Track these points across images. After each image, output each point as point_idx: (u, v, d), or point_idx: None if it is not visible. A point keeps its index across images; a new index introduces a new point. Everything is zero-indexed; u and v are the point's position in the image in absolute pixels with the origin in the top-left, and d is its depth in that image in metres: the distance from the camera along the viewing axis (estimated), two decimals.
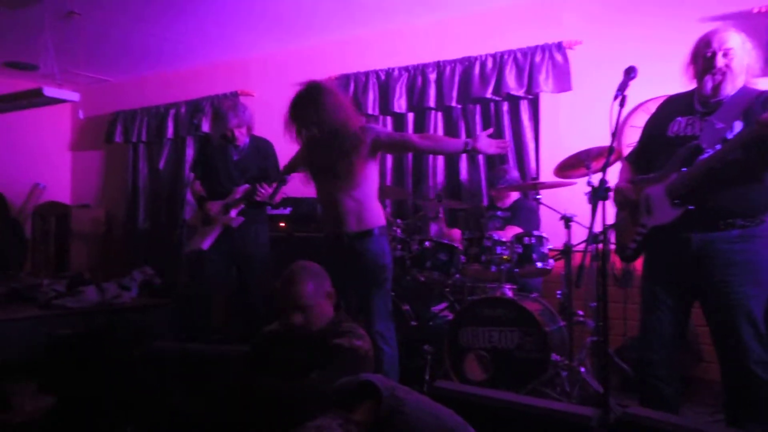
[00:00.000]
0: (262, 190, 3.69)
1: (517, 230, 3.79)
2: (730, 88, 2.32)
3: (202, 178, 4.02)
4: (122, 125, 6.50)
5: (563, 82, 4.30)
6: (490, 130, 2.88)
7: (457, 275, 3.68)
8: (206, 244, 3.80)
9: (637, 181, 2.49)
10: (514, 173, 4.16)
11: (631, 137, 3.99)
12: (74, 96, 4.31)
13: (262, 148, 3.98)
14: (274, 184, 3.66)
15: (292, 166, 3.28)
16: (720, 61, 2.32)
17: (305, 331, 2.21)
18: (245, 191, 3.82)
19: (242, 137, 3.89)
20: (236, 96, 5.71)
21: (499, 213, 4.07)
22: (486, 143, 2.78)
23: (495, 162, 4.53)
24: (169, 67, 6.19)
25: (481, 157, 4.63)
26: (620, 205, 2.58)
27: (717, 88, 2.33)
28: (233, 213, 3.83)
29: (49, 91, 4.11)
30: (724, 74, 2.31)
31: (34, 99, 4.18)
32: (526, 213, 3.98)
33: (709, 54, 2.34)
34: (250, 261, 3.88)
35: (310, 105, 2.82)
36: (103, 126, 6.67)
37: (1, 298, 3.99)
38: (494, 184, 4.11)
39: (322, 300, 2.25)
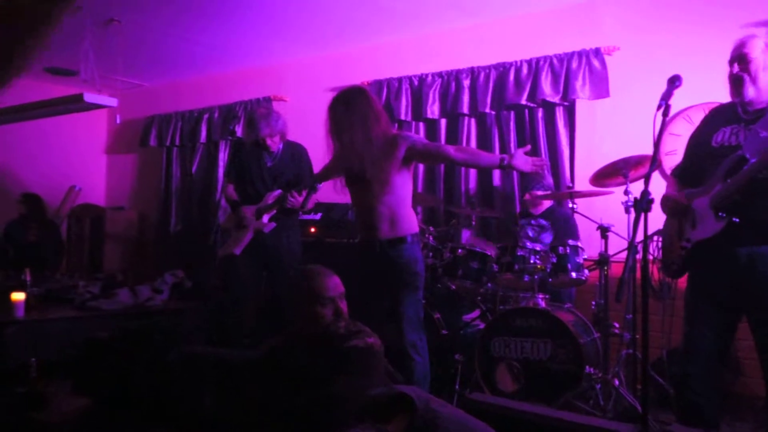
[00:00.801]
0: (293, 199, 3.72)
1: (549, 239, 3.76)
2: (752, 92, 2.32)
3: (235, 183, 4.07)
4: (156, 129, 6.61)
5: (601, 89, 4.26)
6: (527, 148, 2.84)
7: (489, 284, 3.67)
8: (239, 249, 3.85)
9: (685, 195, 2.45)
10: (550, 179, 4.14)
11: (670, 145, 3.92)
12: (112, 102, 4.39)
13: (296, 153, 4.01)
14: (305, 192, 3.69)
15: (325, 175, 3.29)
16: (735, 68, 2.35)
17: (330, 330, 2.17)
18: (277, 197, 3.85)
19: (275, 145, 3.93)
20: (269, 101, 5.77)
21: (533, 221, 4.04)
22: (522, 161, 2.75)
23: None
24: (203, 73, 6.28)
25: None
26: (671, 211, 2.53)
27: (740, 93, 2.34)
28: (265, 218, 3.87)
29: (90, 97, 4.20)
30: (739, 80, 2.33)
31: (75, 104, 4.27)
32: (561, 222, 3.94)
33: (729, 61, 2.38)
34: (280, 267, 3.91)
35: (347, 110, 2.84)
36: (138, 130, 6.79)
37: (39, 299, 4.07)
38: (528, 188, 4.09)
39: (342, 299, 2.26)
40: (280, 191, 3.85)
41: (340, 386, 2.00)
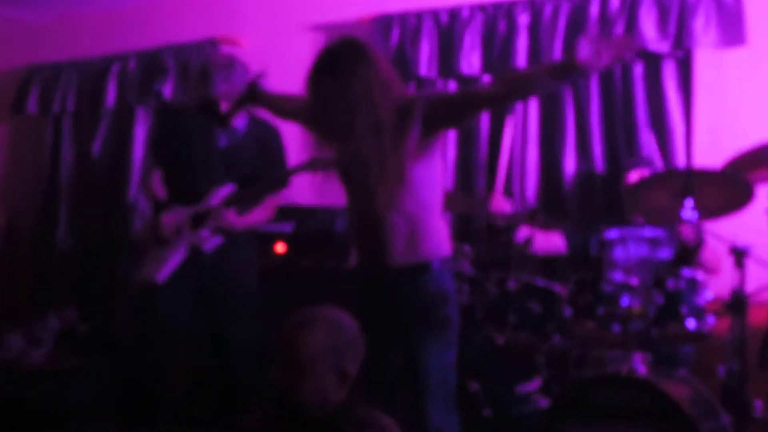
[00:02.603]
0: (227, 219, 3.83)
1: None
2: None
3: (165, 171, 4.07)
4: (39, 88, 6.55)
5: (733, 33, 4.28)
6: (594, 31, 2.78)
7: (558, 337, 3.67)
8: (162, 274, 3.86)
9: None
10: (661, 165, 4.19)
11: None
12: None
13: (264, 137, 4.06)
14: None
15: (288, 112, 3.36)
16: None
17: (304, 410, 2.25)
18: (227, 197, 3.86)
19: (235, 116, 3.94)
20: (215, 45, 5.76)
21: (631, 231, 4.02)
22: (590, 50, 2.60)
23: (620, 148, 4.55)
24: (112, 1, 6.27)
25: (596, 142, 4.65)
26: None
27: None
28: (206, 229, 3.87)
29: None
30: None
31: None
32: None
33: None
34: (228, 303, 3.93)
35: (338, 86, 2.81)
36: (8, 89, 6.74)
37: None
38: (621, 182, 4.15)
39: (330, 373, 2.28)
40: (232, 187, 3.87)
41: None
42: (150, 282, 3.87)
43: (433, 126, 2.88)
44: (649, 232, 4.06)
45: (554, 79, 2.74)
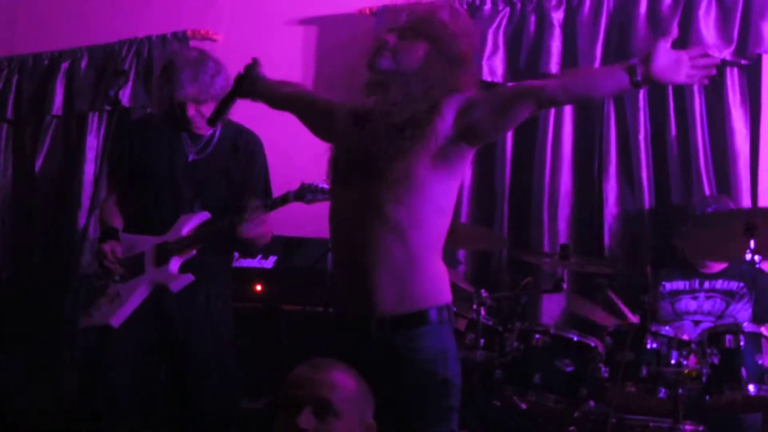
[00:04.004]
0: (247, 229, 3.74)
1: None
2: None
3: (123, 192, 4.04)
4: None
5: None
6: (673, 34, 2.79)
7: (593, 402, 3.68)
8: (118, 318, 3.82)
9: None
10: (729, 203, 4.20)
11: None
12: None
13: (243, 145, 4.05)
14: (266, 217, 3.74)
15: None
16: None
17: None
18: (200, 227, 3.86)
19: (204, 123, 3.86)
20: (184, 40, 5.81)
21: (697, 285, 4.06)
22: (669, 58, 2.66)
23: (670, 174, 4.58)
24: None
25: (644, 173, 4.66)
26: None
27: None
28: (174, 264, 3.87)
29: None
30: None
31: None
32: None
33: None
34: (197, 356, 3.90)
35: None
36: None
37: None
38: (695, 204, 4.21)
39: (358, 424, 2.35)
40: (206, 215, 3.87)
41: None
42: (103, 325, 3.80)
43: (467, 126, 2.88)
44: (721, 284, 4.11)
45: (622, 84, 2.74)
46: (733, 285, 3.99)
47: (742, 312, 3.77)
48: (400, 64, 2.91)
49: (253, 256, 4.23)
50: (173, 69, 3.91)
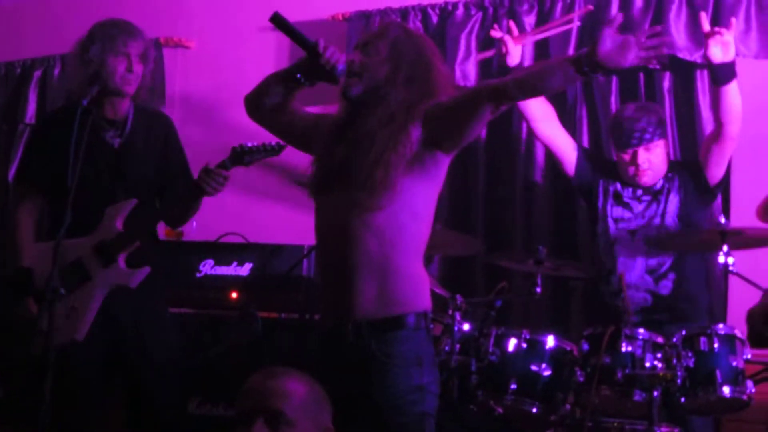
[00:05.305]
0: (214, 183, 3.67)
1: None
2: None
3: (34, 196, 3.92)
4: None
5: None
6: (618, 18, 2.78)
7: (568, 406, 3.71)
8: (81, 332, 3.69)
9: None
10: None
11: None
12: None
13: (156, 125, 4.04)
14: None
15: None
16: None
17: None
18: (137, 215, 3.77)
19: (121, 105, 3.88)
20: (159, 47, 5.77)
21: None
22: (614, 43, 2.66)
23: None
24: None
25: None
26: None
27: None
28: (122, 260, 3.75)
29: None
30: None
31: None
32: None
33: None
34: (152, 361, 3.86)
35: (411, 44, 3.00)
36: None
37: None
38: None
39: (314, 429, 2.33)
40: (133, 202, 3.77)
41: None
42: (67, 344, 3.62)
43: (431, 133, 2.93)
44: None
45: (570, 74, 2.78)
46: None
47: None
48: (370, 80, 2.95)
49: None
50: (92, 38, 3.96)
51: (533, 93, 3.25)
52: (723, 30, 3.82)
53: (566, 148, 4.32)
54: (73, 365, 3.71)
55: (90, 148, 3.62)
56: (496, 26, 4.53)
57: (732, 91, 3.89)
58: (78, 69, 3.91)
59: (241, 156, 3.63)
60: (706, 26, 3.84)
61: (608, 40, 2.65)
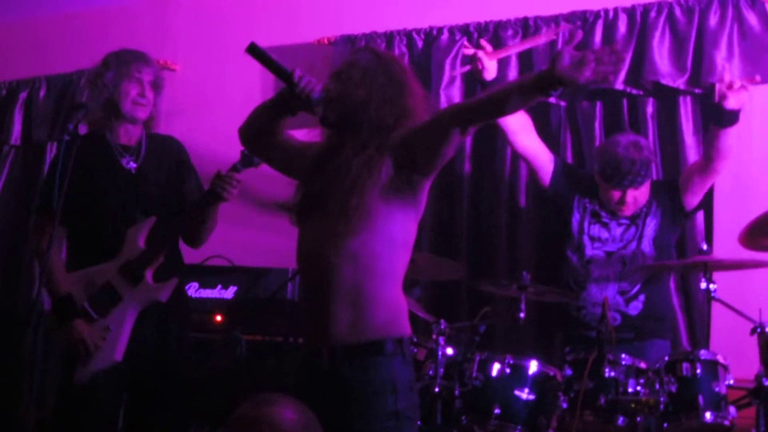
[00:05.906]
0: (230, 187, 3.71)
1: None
2: None
3: (68, 216, 3.79)
4: None
5: (762, 65, 4.34)
6: (578, 35, 2.85)
7: (551, 430, 3.70)
8: (119, 352, 3.73)
9: None
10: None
11: None
12: None
13: (168, 149, 4.09)
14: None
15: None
16: None
17: None
18: (156, 230, 3.80)
19: (134, 131, 3.94)
20: None
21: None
22: (573, 59, 2.67)
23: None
24: (19, 14, 6.30)
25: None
26: None
27: None
28: (149, 276, 3.78)
29: None
30: None
31: None
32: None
33: None
34: (171, 379, 3.87)
35: (381, 69, 2.99)
36: None
37: None
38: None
39: None
40: (152, 220, 3.82)
41: None
42: (106, 367, 3.71)
43: (403, 157, 2.94)
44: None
45: (532, 92, 2.81)
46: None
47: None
48: (344, 107, 2.97)
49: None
50: (127, 55, 4.06)
51: (497, 113, 3.25)
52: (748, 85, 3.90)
53: (543, 159, 4.37)
54: (98, 398, 3.77)
55: (109, 174, 3.87)
56: (467, 43, 4.58)
57: (731, 134, 3.97)
58: (92, 96, 4.01)
59: (250, 158, 3.66)
60: (737, 83, 3.90)
61: (566, 57, 2.67)
